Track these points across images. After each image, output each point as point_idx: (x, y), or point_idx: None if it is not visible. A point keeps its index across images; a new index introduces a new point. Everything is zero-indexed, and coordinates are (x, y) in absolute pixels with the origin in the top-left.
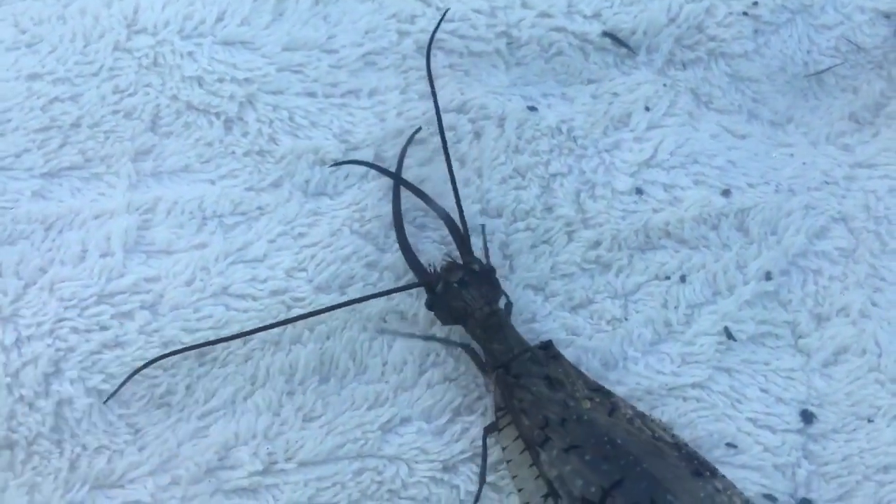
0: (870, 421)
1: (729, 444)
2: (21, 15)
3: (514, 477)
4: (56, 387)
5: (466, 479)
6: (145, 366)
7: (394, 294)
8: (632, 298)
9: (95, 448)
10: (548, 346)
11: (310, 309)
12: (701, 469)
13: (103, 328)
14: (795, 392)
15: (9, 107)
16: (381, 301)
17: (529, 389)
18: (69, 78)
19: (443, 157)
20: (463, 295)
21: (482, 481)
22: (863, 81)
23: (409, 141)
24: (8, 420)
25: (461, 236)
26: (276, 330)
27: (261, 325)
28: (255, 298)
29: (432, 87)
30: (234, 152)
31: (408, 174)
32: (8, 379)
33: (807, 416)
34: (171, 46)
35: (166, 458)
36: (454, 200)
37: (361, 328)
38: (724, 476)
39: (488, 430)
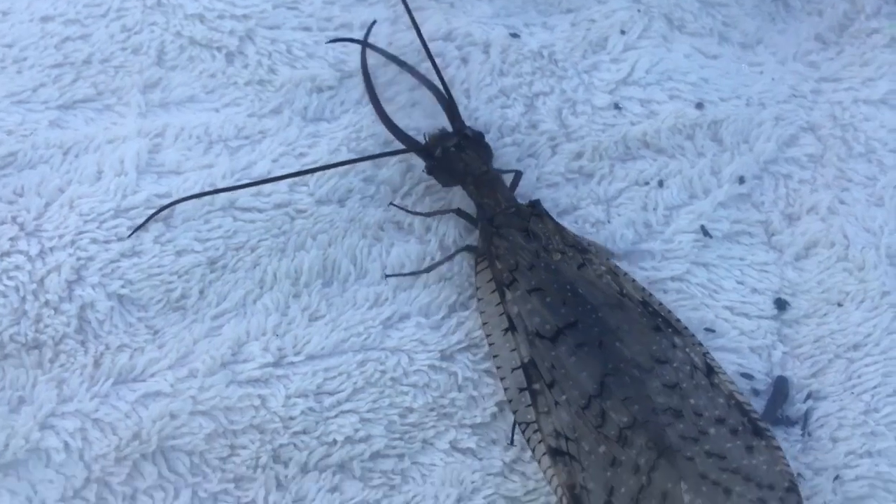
0: (839, 305)
1: (707, 329)
2: None
3: (481, 312)
4: (79, 292)
5: (463, 366)
6: (169, 205)
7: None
8: (614, 203)
9: (117, 346)
10: (535, 204)
11: (313, 219)
12: (662, 326)
13: (120, 239)
14: (769, 283)
15: (25, 46)
16: (379, 212)
17: (506, 238)
18: (79, 19)
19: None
20: (462, 157)
21: (428, 269)
22: (827, 5)
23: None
24: (35, 323)
25: (449, 105)
26: (281, 237)
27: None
28: (260, 210)
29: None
30: (236, 83)
31: (398, 99)
32: (34, 285)
33: (780, 304)
34: None
35: (183, 354)
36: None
37: (361, 235)
38: (691, 335)
39: (466, 249)
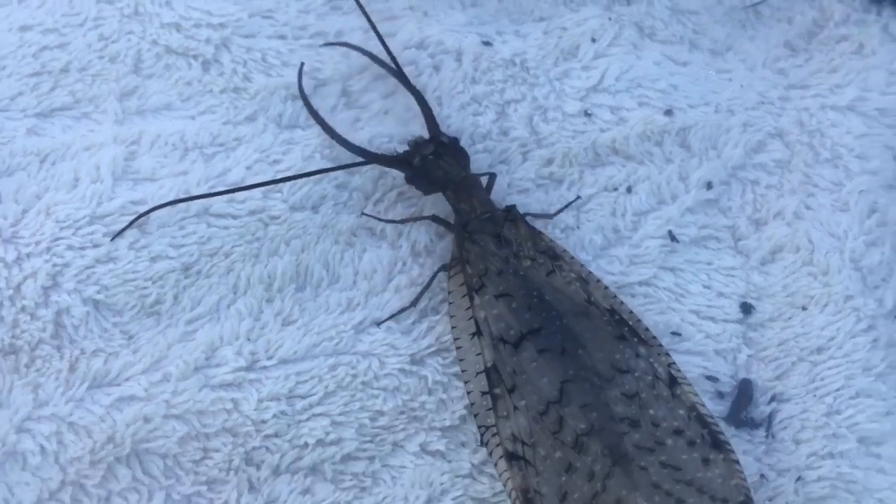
0: (804, 309)
1: (674, 333)
2: None
3: (451, 316)
4: (55, 298)
5: (433, 370)
6: (153, 209)
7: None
8: (583, 209)
9: (93, 351)
10: (510, 209)
11: (287, 225)
12: (628, 335)
13: (96, 245)
14: (735, 287)
15: (3, 55)
16: (352, 218)
17: (478, 243)
18: (57, 28)
19: (404, 90)
20: (440, 164)
21: (414, 302)
22: (796, 12)
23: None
24: (12, 328)
25: (428, 113)
26: (254, 243)
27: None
28: (234, 217)
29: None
30: (211, 90)
31: (372, 106)
32: (10, 292)
33: (746, 308)
34: None
35: (157, 359)
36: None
37: (334, 241)
38: (659, 346)
39: (442, 269)
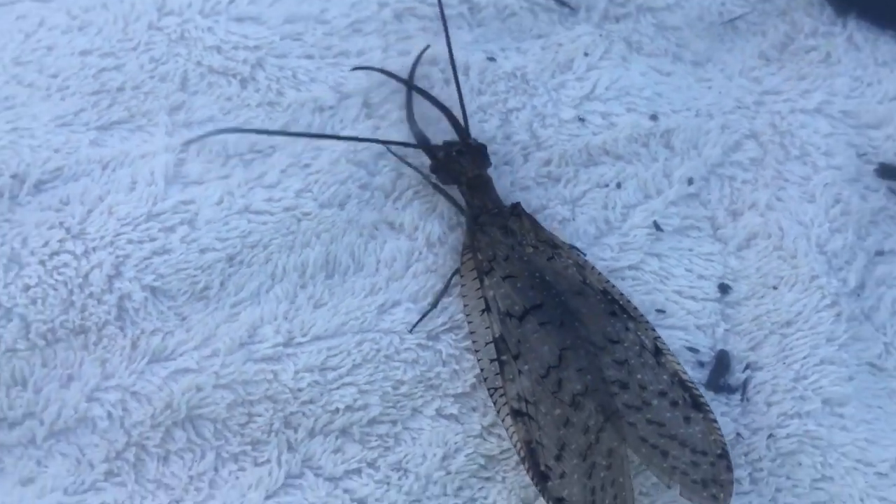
0: (775, 288)
1: (658, 310)
2: (72, 5)
3: (463, 296)
4: (118, 285)
5: (447, 344)
6: (218, 132)
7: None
8: (578, 203)
9: (151, 331)
10: (515, 206)
11: (317, 220)
12: (618, 311)
13: (152, 239)
14: (714, 270)
15: (67, 76)
16: (375, 212)
17: (487, 234)
18: (114, 52)
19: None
20: (460, 160)
21: (434, 303)
22: (770, 26)
23: (420, 56)
24: (81, 312)
25: (459, 126)
26: (289, 237)
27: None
28: (271, 213)
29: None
30: (248, 104)
31: (391, 115)
32: (80, 280)
33: (724, 288)
34: (193, 24)
35: (207, 337)
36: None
37: (359, 234)
38: (646, 322)
39: (456, 272)
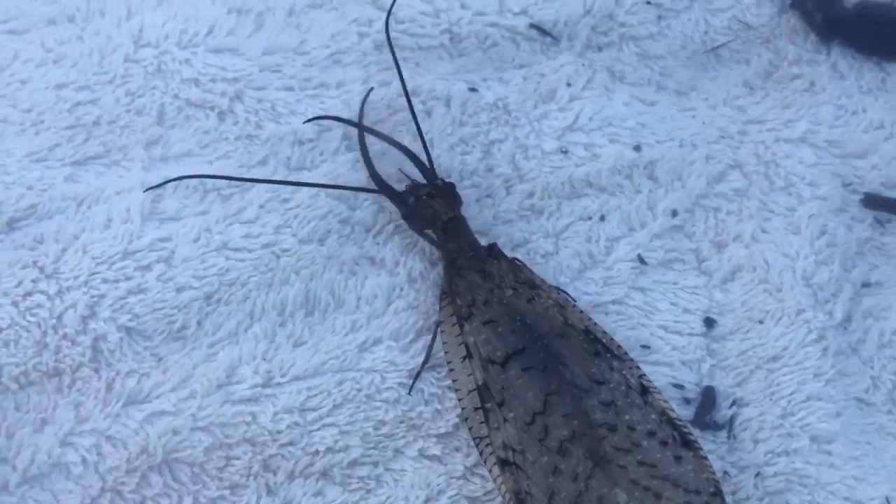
0: (760, 322)
1: (643, 346)
2: (46, 38)
3: (444, 343)
4: (92, 325)
5: (429, 383)
6: (182, 178)
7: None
8: (561, 237)
9: (127, 372)
10: (492, 247)
11: (296, 257)
12: (601, 351)
13: (128, 278)
14: (699, 304)
15: (42, 110)
16: (355, 248)
17: (465, 278)
18: (89, 85)
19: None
20: (431, 203)
21: (426, 360)
22: (753, 54)
23: (366, 97)
24: (55, 353)
25: (423, 165)
26: (268, 274)
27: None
28: (249, 250)
29: (393, 55)
30: (227, 138)
31: (371, 148)
32: (53, 321)
33: (709, 322)
34: (171, 56)
35: (184, 378)
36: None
37: (339, 270)
38: (630, 360)
39: (438, 324)
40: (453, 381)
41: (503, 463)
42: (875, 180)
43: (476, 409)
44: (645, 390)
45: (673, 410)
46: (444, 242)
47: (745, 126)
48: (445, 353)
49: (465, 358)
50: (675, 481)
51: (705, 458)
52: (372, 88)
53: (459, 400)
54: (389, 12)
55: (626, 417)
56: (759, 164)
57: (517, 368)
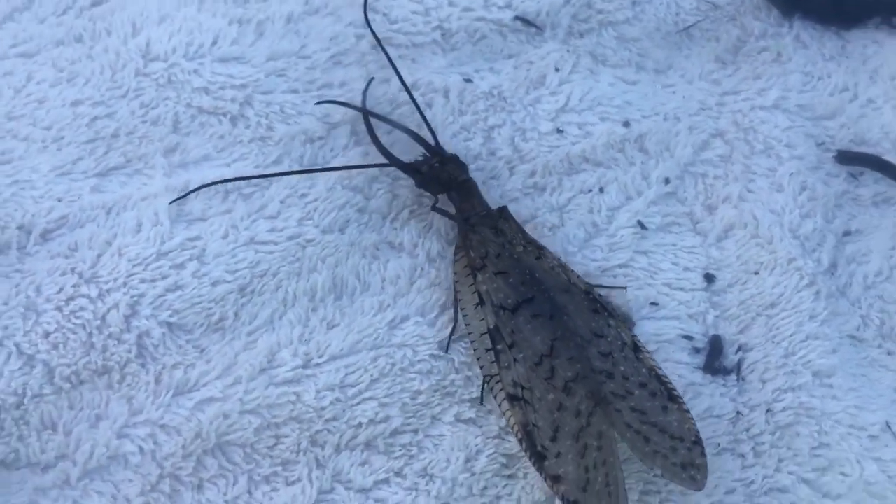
0: (756, 273)
1: (652, 304)
2: (57, 58)
3: (457, 292)
4: (135, 323)
5: (457, 353)
6: (206, 185)
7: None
8: (565, 210)
9: (172, 365)
10: (502, 209)
11: (321, 246)
12: (600, 310)
13: (164, 277)
14: (698, 262)
15: (61, 127)
16: (374, 234)
17: (479, 233)
18: (104, 101)
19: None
20: (445, 168)
21: (455, 319)
22: (722, 32)
23: (367, 86)
24: (102, 352)
25: (428, 144)
26: (296, 263)
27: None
28: (276, 243)
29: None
30: (241, 141)
31: (383, 140)
32: (98, 322)
33: (709, 278)
34: (179, 67)
35: (228, 365)
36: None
37: (362, 256)
38: (623, 321)
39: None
40: (467, 325)
41: (512, 398)
42: (845, 138)
43: (487, 350)
44: (637, 348)
45: (661, 369)
46: (458, 204)
47: (721, 98)
48: (459, 300)
49: (477, 305)
50: (662, 428)
51: (688, 411)
52: (373, 78)
53: (472, 342)
54: (366, 4)
55: (622, 368)
56: (739, 131)
57: (526, 315)
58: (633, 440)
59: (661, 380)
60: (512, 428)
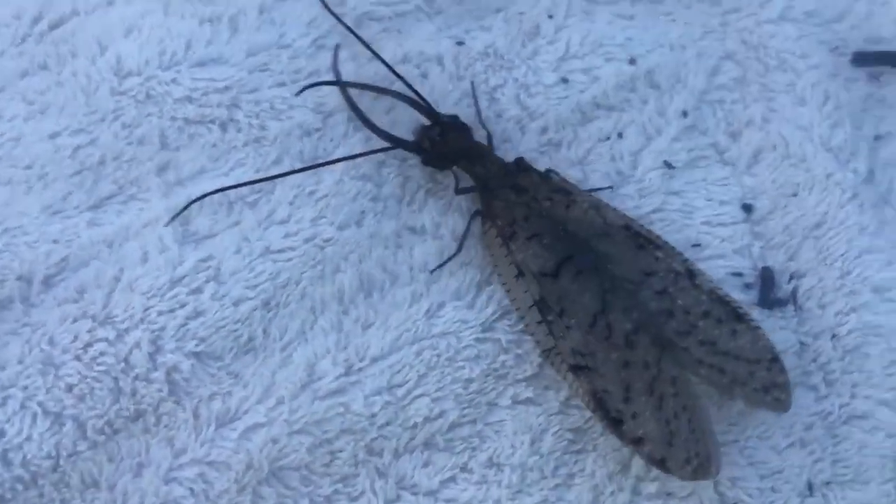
0: (795, 195)
1: (694, 245)
2: (25, 91)
3: (495, 266)
4: (161, 360)
5: (503, 332)
6: (202, 197)
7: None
8: (586, 162)
9: (209, 397)
10: (519, 161)
11: (340, 244)
12: (644, 244)
13: (183, 305)
14: (733, 193)
15: (43, 163)
16: (393, 222)
17: (500, 198)
18: (83, 128)
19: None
20: (447, 141)
21: (459, 248)
22: None
23: (335, 55)
24: (132, 396)
25: (422, 105)
26: (317, 267)
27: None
28: (293, 249)
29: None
30: (235, 146)
31: (381, 122)
32: (121, 365)
33: (747, 208)
34: (156, 79)
35: (267, 387)
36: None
37: (384, 247)
38: (672, 248)
39: (475, 214)
40: (512, 300)
41: (575, 368)
42: (857, 39)
43: (539, 323)
44: (692, 274)
45: (721, 289)
46: (472, 172)
47: (724, 17)
48: (499, 275)
49: (517, 276)
50: (736, 355)
51: (758, 327)
52: (338, 45)
53: (521, 318)
54: None
55: (680, 302)
56: (749, 49)
57: (569, 275)
58: (708, 375)
59: (724, 301)
60: (582, 399)
